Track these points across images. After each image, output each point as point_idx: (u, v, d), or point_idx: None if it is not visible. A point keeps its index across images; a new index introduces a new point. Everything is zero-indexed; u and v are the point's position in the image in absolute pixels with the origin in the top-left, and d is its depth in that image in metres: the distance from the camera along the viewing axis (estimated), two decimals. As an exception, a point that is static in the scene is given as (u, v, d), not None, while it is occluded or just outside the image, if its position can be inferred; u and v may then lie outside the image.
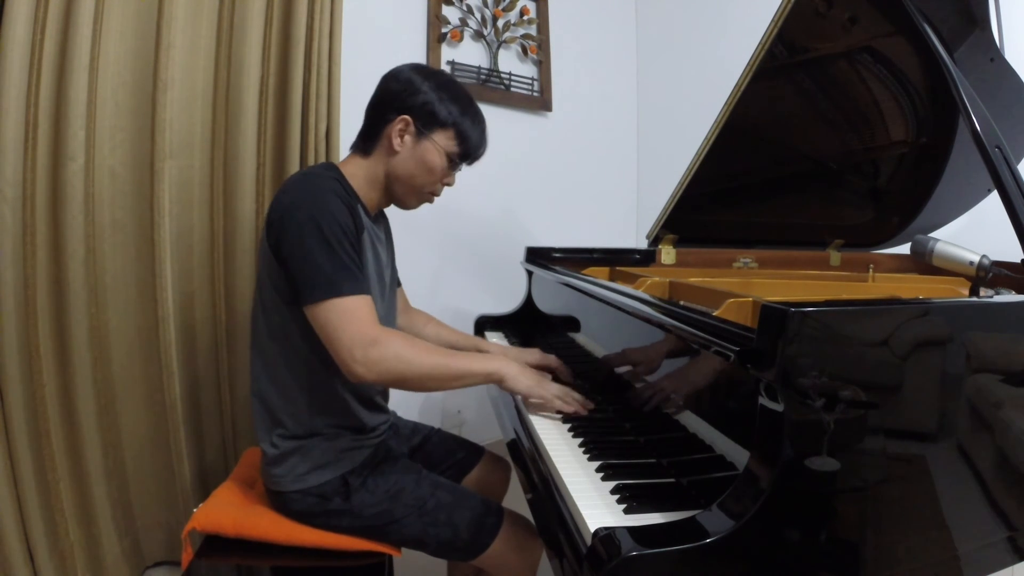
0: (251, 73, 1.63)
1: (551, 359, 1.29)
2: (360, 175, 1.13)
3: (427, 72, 1.13)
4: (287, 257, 1.00)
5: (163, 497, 1.63)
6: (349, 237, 1.00)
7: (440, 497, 1.09)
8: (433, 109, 1.09)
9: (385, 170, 1.12)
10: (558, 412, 1.08)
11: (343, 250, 0.98)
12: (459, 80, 2.28)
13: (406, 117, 1.09)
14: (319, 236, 0.97)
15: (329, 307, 0.96)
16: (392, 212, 1.25)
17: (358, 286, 0.99)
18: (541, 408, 1.09)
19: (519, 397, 1.15)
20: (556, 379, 1.22)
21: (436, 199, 1.20)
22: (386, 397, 1.24)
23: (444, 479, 1.15)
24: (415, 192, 1.15)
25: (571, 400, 1.07)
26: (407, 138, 1.10)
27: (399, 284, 1.35)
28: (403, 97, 1.09)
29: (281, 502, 1.08)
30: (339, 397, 1.09)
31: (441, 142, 1.11)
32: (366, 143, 1.14)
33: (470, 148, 1.14)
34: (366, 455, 1.12)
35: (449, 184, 1.17)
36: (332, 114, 1.74)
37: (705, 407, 0.82)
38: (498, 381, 1.07)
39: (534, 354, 1.31)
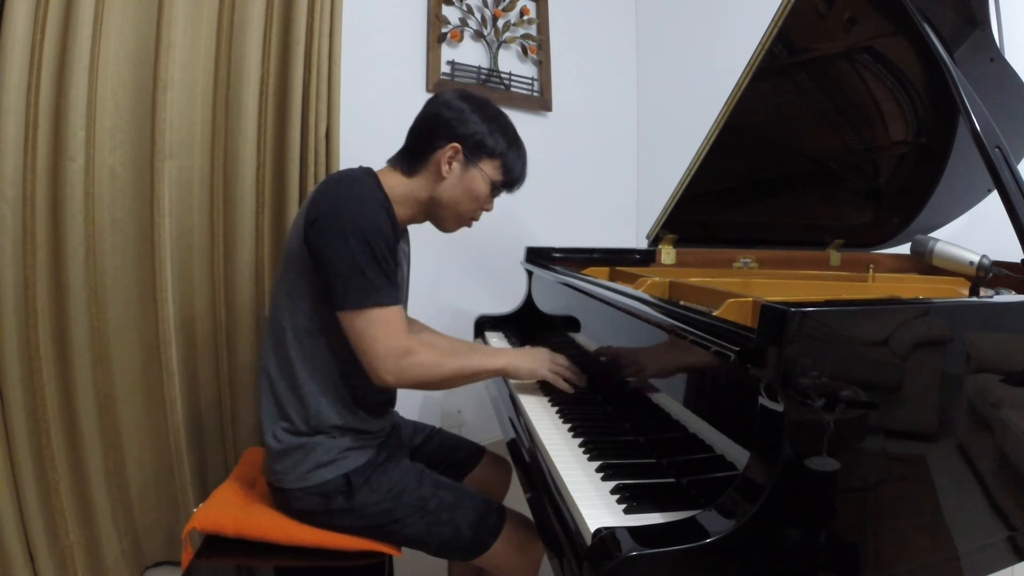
0: (251, 73, 1.63)
1: None
2: (399, 191, 1.13)
3: (476, 102, 1.15)
4: (327, 261, 1.01)
5: (163, 497, 1.63)
6: (389, 246, 1.02)
7: (442, 496, 1.09)
8: (483, 140, 1.12)
9: (429, 194, 1.14)
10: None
11: (384, 260, 1.01)
12: (457, 80, 2.30)
13: (456, 145, 1.11)
14: (363, 243, 0.99)
15: (368, 315, 1.00)
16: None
17: (395, 296, 1.02)
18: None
19: (517, 395, 1.18)
20: None
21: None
22: (393, 402, 1.24)
23: (446, 479, 1.15)
24: (457, 217, 1.18)
25: (568, 375, 1.16)
26: (455, 165, 1.12)
27: None
28: (454, 125, 1.11)
29: (283, 500, 1.08)
30: (347, 398, 1.10)
31: (487, 171, 1.14)
32: (411, 164, 1.14)
33: (514, 178, 1.18)
34: (369, 455, 1.12)
35: (488, 210, 1.20)
36: (332, 114, 1.75)
37: (705, 407, 0.82)
38: (509, 376, 1.16)
39: None
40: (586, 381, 1.17)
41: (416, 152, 1.14)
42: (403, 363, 1.01)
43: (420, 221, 1.21)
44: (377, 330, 1.00)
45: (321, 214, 1.02)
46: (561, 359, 1.18)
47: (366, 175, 1.10)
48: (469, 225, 1.21)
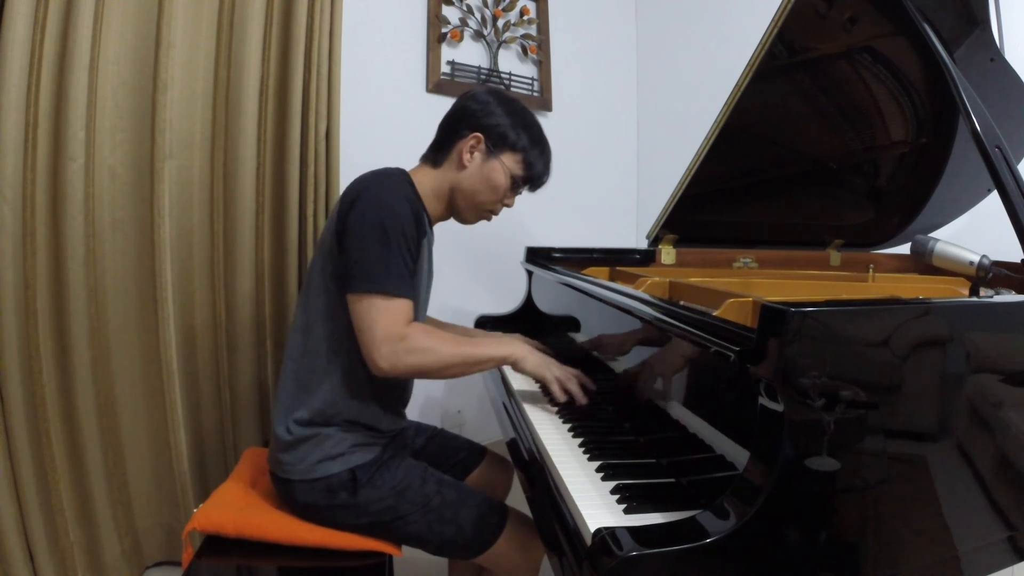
0: (251, 73, 1.63)
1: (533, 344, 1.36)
2: (428, 185, 1.17)
3: (504, 98, 1.18)
4: (347, 247, 1.04)
5: (163, 497, 1.63)
6: (409, 242, 1.04)
7: (445, 495, 1.09)
8: (504, 132, 1.15)
9: (451, 183, 1.17)
10: (553, 403, 1.12)
11: (400, 252, 1.03)
12: (457, 80, 2.30)
13: (478, 135, 1.14)
14: (381, 231, 1.02)
15: (371, 300, 1.01)
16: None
17: (404, 289, 1.03)
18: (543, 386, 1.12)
19: (518, 395, 1.18)
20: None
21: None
22: (406, 402, 1.25)
23: (449, 477, 1.15)
24: (476, 207, 1.19)
25: (571, 387, 1.10)
26: (476, 155, 1.15)
27: None
28: (478, 116, 1.15)
29: (287, 492, 1.09)
30: (367, 394, 1.11)
31: (508, 163, 1.16)
32: (437, 155, 1.18)
33: (535, 174, 1.19)
34: (375, 452, 1.12)
35: (508, 205, 1.22)
36: (332, 114, 1.75)
37: (705, 407, 0.82)
38: (512, 363, 1.11)
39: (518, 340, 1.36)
40: (587, 401, 1.10)
41: (443, 143, 1.18)
42: (398, 348, 1.00)
43: (447, 217, 1.23)
44: (377, 315, 1.00)
45: (348, 201, 1.06)
46: (572, 371, 1.13)
47: (399, 172, 1.15)
48: (488, 219, 1.23)
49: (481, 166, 1.15)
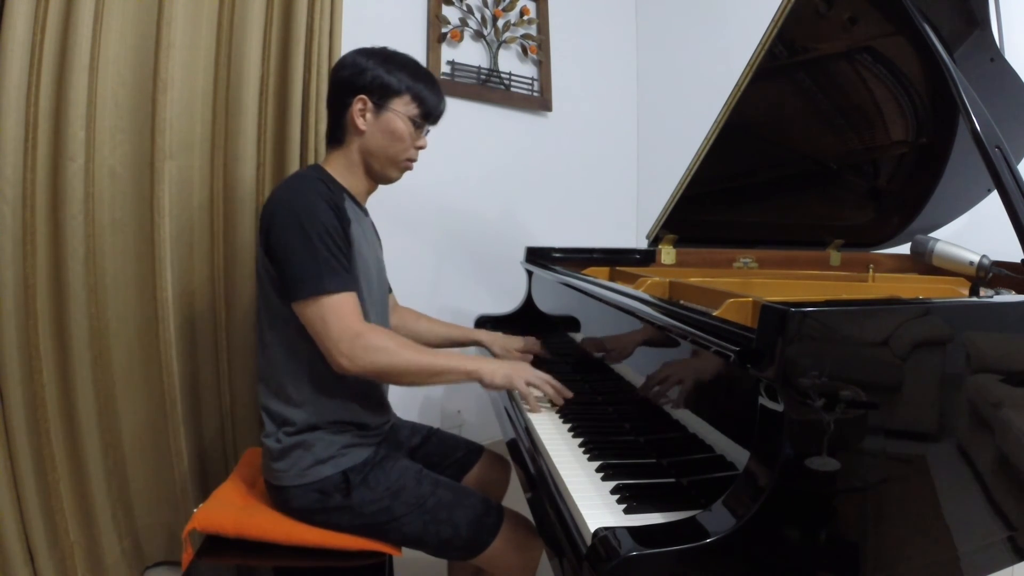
0: (251, 73, 1.63)
1: (532, 342, 1.39)
2: (340, 165, 1.18)
3: (369, 51, 1.17)
4: (276, 258, 1.05)
5: (163, 497, 1.63)
6: (333, 235, 1.04)
7: (440, 495, 1.09)
8: (383, 81, 1.14)
9: (359, 150, 1.17)
10: (552, 404, 1.12)
11: (326, 248, 1.03)
12: (457, 80, 2.30)
13: (362, 96, 1.14)
14: (303, 235, 1.02)
15: (315, 304, 1.01)
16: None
17: (342, 283, 1.03)
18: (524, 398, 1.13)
19: (518, 394, 1.17)
20: (539, 363, 1.29)
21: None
22: (384, 395, 1.24)
23: (444, 478, 1.15)
24: (391, 162, 1.19)
25: (546, 389, 1.11)
26: (368, 115, 1.15)
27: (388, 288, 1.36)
28: (353, 80, 1.14)
29: (282, 498, 1.09)
30: (342, 392, 1.11)
31: (400, 108, 1.15)
32: (336, 134, 1.18)
33: (429, 108, 1.18)
34: (367, 453, 1.12)
35: (421, 147, 1.21)
36: (332, 114, 1.74)
37: (705, 407, 0.82)
38: (477, 380, 1.10)
39: (517, 341, 1.40)
40: (571, 395, 1.12)
41: (335, 121, 1.18)
42: (355, 345, 1.00)
43: (374, 186, 1.23)
44: (326, 315, 1.01)
45: (267, 215, 1.07)
46: (544, 375, 1.13)
47: (309, 170, 1.16)
48: (410, 167, 1.22)
49: (377, 123, 1.14)
